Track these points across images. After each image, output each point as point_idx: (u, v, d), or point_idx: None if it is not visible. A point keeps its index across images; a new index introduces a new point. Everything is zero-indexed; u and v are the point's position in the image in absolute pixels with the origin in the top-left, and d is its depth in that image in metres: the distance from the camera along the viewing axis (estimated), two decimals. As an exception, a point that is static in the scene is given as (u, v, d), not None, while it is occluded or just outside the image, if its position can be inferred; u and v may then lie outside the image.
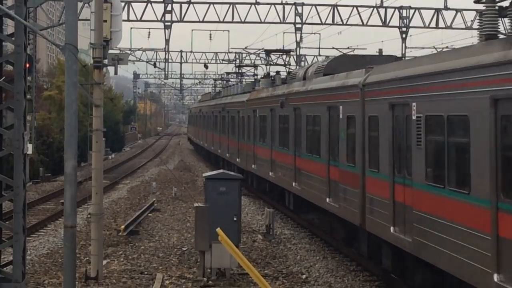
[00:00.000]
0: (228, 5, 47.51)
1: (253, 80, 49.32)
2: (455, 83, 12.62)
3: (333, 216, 20.67)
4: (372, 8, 47.51)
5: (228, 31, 62.41)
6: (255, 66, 57.68)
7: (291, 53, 38.06)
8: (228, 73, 66.88)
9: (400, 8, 47.47)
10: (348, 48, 44.29)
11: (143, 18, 46.76)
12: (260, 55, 54.53)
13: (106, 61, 17.62)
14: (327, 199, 20.58)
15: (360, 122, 17.78)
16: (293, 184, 24.86)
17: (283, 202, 28.27)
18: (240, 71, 61.83)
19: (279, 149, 27.74)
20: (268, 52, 39.87)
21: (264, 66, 41.05)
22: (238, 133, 38.56)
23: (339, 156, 19.55)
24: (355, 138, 18.11)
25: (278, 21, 48.33)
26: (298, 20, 48.65)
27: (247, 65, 60.74)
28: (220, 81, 75.99)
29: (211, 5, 47.55)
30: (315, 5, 48.17)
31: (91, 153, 17.53)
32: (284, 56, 39.74)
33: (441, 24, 47.11)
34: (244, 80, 60.68)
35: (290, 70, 35.66)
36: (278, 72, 35.01)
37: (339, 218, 19.91)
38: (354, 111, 18.25)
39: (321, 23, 47.91)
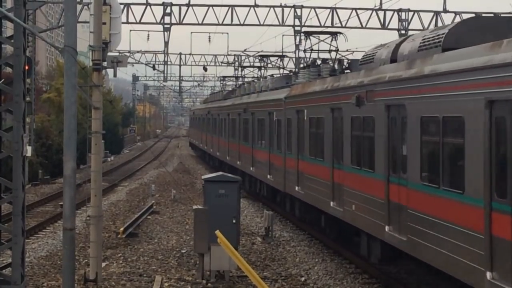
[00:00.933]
0: (227, 8, 47.55)
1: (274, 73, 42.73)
2: None
3: None
4: (371, 11, 47.53)
5: (227, 33, 62.54)
6: (282, 56, 50.03)
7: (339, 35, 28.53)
8: (243, 67, 55.58)
9: (399, 10, 47.48)
10: (347, 50, 44.26)
11: (142, 21, 46.77)
12: (298, 38, 46.74)
13: (105, 64, 17.62)
14: (489, 275, 11.47)
15: None
16: (386, 228, 16.01)
17: (354, 248, 20.09)
18: (262, 64, 49.74)
19: (353, 170, 18.51)
20: (308, 34, 30.31)
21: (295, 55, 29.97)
22: (270, 142, 29.49)
23: None
24: None
25: (277, 23, 48.35)
26: (297, 22, 48.66)
27: (273, 55, 50.27)
28: (229, 78, 66.19)
29: (210, 8, 47.61)
30: (314, 7, 48.21)
31: (90, 155, 17.54)
32: (330, 40, 28.50)
33: (440, 26, 47.10)
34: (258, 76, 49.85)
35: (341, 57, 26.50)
36: (325, 60, 26.26)
37: None
38: None
39: (320, 26, 47.87)
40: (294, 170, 24.88)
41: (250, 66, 53.54)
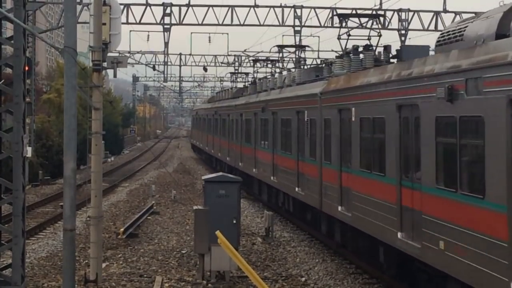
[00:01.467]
0: (227, 8, 47.56)
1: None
2: None
3: None
4: (371, 11, 47.51)
5: (227, 34, 62.57)
6: (302, 47, 44.66)
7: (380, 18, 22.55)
8: (255, 61, 48.16)
9: (399, 10, 47.48)
10: (347, 51, 44.10)
11: (142, 21, 46.76)
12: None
13: (105, 64, 17.62)
14: None
15: None
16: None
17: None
18: (281, 53, 43.21)
19: (441, 193, 13.21)
20: (344, 17, 24.40)
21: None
22: (299, 147, 24.48)
23: None
24: None
25: (277, 23, 48.36)
26: (297, 22, 48.67)
27: (292, 46, 43.25)
28: (233, 76, 60.32)
29: (210, 8, 47.63)
30: (314, 7, 48.24)
31: (91, 156, 17.54)
32: (371, 23, 24.04)
33: (440, 26, 47.07)
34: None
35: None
36: (368, 47, 21.20)
37: None
38: None
39: (320, 26, 47.89)
40: (336, 185, 19.93)
41: (266, 60, 47.17)
